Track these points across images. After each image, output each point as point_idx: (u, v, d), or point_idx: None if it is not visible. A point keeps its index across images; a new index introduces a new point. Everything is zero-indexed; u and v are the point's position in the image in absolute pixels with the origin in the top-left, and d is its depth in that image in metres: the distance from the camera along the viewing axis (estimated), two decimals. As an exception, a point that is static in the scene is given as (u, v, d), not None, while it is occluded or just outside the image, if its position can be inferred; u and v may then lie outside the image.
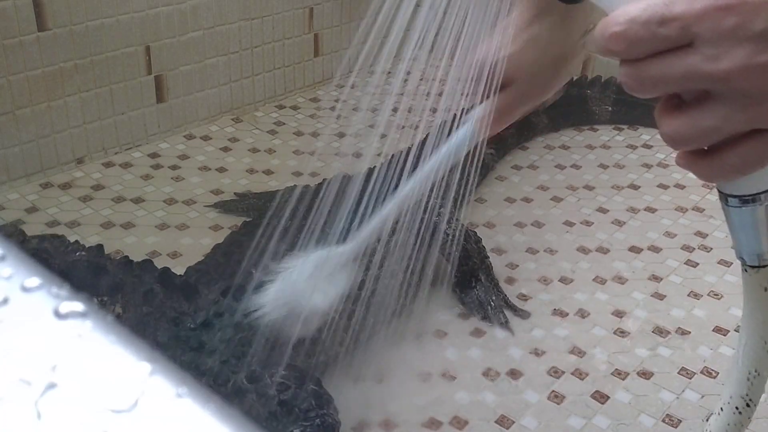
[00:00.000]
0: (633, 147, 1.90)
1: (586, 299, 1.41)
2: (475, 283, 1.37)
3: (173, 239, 1.51)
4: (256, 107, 1.99)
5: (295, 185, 1.64)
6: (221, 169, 1.74)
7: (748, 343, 0.57)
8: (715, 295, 1.43)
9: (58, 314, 0.28)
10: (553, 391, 1.21)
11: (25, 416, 0.25)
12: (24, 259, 0.30)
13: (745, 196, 0.49)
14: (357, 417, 1.14)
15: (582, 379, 1.23)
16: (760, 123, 0.42)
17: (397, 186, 0.71)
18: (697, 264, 1.51)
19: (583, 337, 1.32)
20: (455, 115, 0.65)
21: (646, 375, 1.24)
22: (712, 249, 1.55)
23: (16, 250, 0.31)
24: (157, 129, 1.81)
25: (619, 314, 1.37)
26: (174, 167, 1.73)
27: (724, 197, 0.51)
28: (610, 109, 1.97)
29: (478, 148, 0.66)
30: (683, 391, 1.22)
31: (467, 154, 0.66)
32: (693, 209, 1.67)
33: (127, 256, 1.10)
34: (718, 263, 1.51)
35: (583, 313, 1.37)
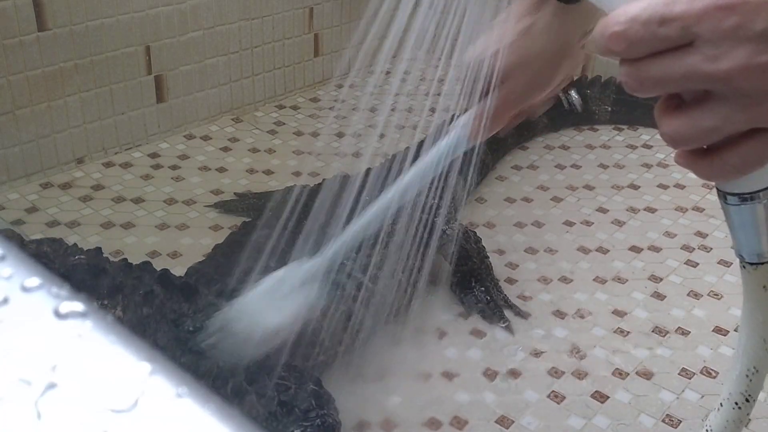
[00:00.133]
0: (633, 147, 1.90)
1: (586, 299, 1.41)
2: (475, 283, 1.37)
3: (173, 239, 1.51)
4: (256, 107, 1.99)
5: (294, 185, 1.64)
6: (221, 169, 1.74)
7: (748, 340, 0.57)
8: (715, 295, 1.43)
9: (58, 314, 0.28)
10: (553, 391, 1.21)
11: (25, 416, 0.25)
12: (24, 259, 0.30)
13: (744, 194, 0.49)
14: (357, 417, 1.14)
15: (582, 379, 1.23)
16: (760, 122, 0.42)
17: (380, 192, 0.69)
18: (697, 264, 1.51)
19: (583, 337, 1.32)
20: (453, 115, 0.64)
21: (646, 375, 1.24)
22: (712, 249, 1.55)
23: (16, 251, 0.31)
24: (157, 129, 1.81)
25: (619, 314, 1.37)
26: (174, 167, 1.73)
27: (723, 195, 0.51)
28: (610, 109, 1.97)
29: (477, 149, 0.64)
30: (683, 391, 1.22)
31: (465, 155, 0.65)
32: (693, 209, 1.67)
33: (126, 258, 1.10)
34: (718, 263, 1.51)
35: (583, 313, 1.37)
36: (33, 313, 0.28)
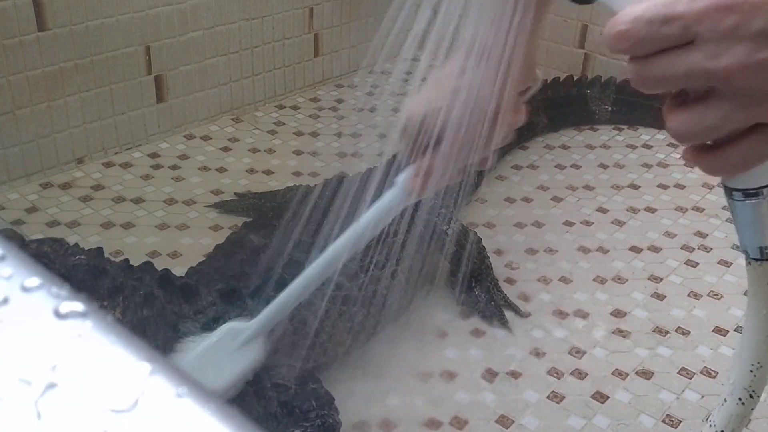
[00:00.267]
0: (633, 147, 1.90)
1: (586, 299, 1.41)
2: (475, 283, 1.37)
3: (173, 239, 1.51)
4: (256, 107, 1.99)
5: (294, 185, 1.64)
6: (221, 169, 1.74)
7: (752, 335, 0.58)
8: (714, 295, 1.43)
9: (58, 314, 0.28)
10: (553, 391, 1.21)
11: (25, 416, 0.25)
12: (24, 259, 0.30)
13: (748, 189, 0.50)
14: (357, 417, 1.14)
15: (582, 379, 1.23)
16: (762, 118, 0.43)
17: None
18: (697, 264, 1.51)
19: (583, 337, 1.32)
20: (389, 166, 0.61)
21: (646, 375, 1.24)
22: (712, 249, 1.55)
23: (16, 251, 0.31)
24: (157, 129, 1.81)
25: (619, 314, 1.37)
26: (174, 167, 1.73)
27: (728, 191, 0.52)
28: (609, 109, 1.97)
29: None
30: (683, 391, 1.22)
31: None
32: (693, 209, 1.67)
33: (127, 259, 1.10)
34: (718, 263, 1.51)
35: (583, 313, 1.37)
36: (33, 313, 0.28)
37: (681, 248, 1.55)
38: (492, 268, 1.42)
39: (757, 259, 0.54)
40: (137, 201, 1.61)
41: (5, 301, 0.29)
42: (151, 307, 1.05)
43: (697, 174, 1.74)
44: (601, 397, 1.20)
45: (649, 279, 1.46)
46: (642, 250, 1.54)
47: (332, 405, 1.06)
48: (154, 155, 1.77)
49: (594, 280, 1.45)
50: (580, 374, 1.24)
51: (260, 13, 1.90)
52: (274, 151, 1.83)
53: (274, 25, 1.94)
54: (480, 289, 1.37)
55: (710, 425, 0.62)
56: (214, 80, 1.88)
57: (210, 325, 1.09)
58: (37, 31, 1.52)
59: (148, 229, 1.53)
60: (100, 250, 1.09)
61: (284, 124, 1.94)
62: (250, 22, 1.89)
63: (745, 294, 0.59)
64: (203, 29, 1.80)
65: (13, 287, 0.29)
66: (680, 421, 1.16)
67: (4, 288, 0.29)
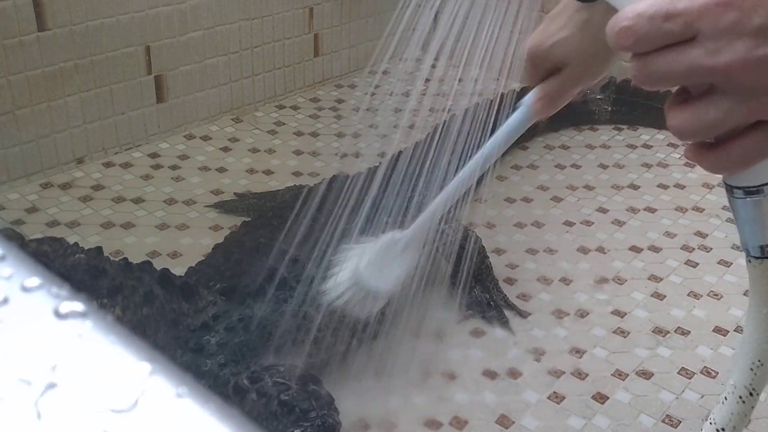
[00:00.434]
0: (633, 147, 1.90)
1: (586, 299, 1.41)
2: (475, 283, 1.37)
3: (173, 239, 1.51)
4: (256, 107, 1.99)
5: (294, 185, 1.64)
6: (221, 169, 1.74)
7: (753, 333, 0.58)
8: (714, 295, 1.43)
9: (58, 314, 0.28)
10: (553, 391, 1.21)
11: (25, 416, 0.25)
12: (24, 259, 0.30)
13: (749, 187, 0.51)
14: (357, 417, 1.14)
15: (582, 379, 1.23)
16: (762, 115, 0.44)
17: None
18: (697, 264, 1.51)
19: (583, 337, 1.32)
20: (502, 97, 0.66)
21: (646, 375, 1.24)
22: (711, 249, 1.55)
23: (16, 250, 0.31)
24: (157, 129, 1.81)
25: (619, 314, 1.37)
26: (174, 167, 1.73)
27: (729, 189, 0.52)
28: (609, 109, 1.97)
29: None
30: (683, 391, 1.22)
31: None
32: (693, 209, 1.67)
33: (126, 258, 1.10)
34: (718, 263, 1.51)
35: (583, 313, 1.37)
36: (33, 313, 0.28)
37: (681, 248, 1.55)
38: (492, 268, 1.42)
39: (757, 258, 0.55)
40: (137, 201, 1.61)
41: (5, 301, 0.29)
42: (150, 306, 1.05)
43: (697, 174, 1.74)
44: (601, 397, 1.20)
45: (649, 279, 1.46)
46: (642, 250, 1.54)
47: (332, 405, 1.06)
48: (154, 155, 1.77)
49: (594, 280, 1.45)
50: (580, 374, 1.24)
51: (260, 13, 1.90)
52: (274, 151, 1.83)
53: (274, 25, 1.94)
54: (480, 289, 1.37)
55: (710, 422, 0.63)
56: (214, 80, 1.88)
57: (210, 324, 1.09)
58: (37, 31, 1.52)
59: (148, 229, 1.53)
60: (99, 249, 1.09)
61: (284, 124, 1.95)
62: (250, 22, 1.89)
63: (745, 294, 0.59)
64: (203, 29, 1.80)
65: (13, 287, 0.29)
66: (680, 421, 1.16)
67: (4, 288, 0.29)
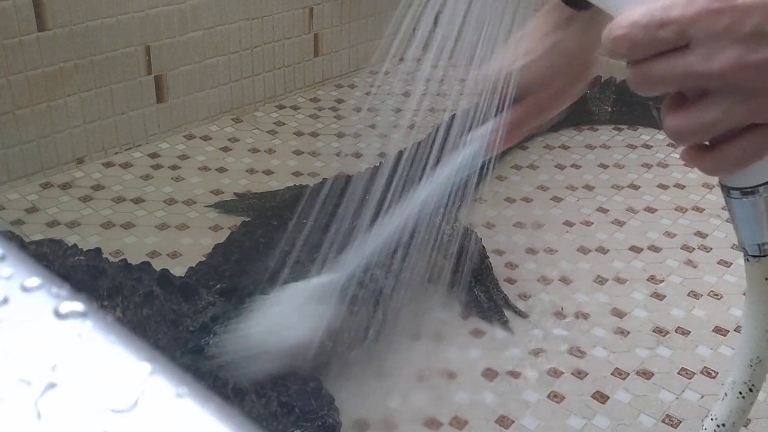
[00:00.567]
0: (633, 147, 1.90)
1: (586, 299, 1.41)
2: (475, 283, 1.37)
3: (173, 239, 1.51)
4: (256, 107, 1.99)
5: (294, 185, 1.64)
6: (221, 169, 1.74)
7: (751, 331, 0.59)
8: (714, 295, 1.43)
9: (58, 314, 0.28)
10: (553, 391, 1.21)
11: (25, 416, 0.25)
12: (24, 259, 0.30)
13: (746, 188, 0.52)
14: (357, 417, 1.14)
15: (582, 379, 1.23)
16: (756, 117, 0.44)
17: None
18: (697, 264, 1.51)
19: (583, 337, 1.32)
20: (463, 126, 0.63)
21: (646, 375, 1.24)
22: (711, 249, 1.55)
23: (16, 251, 0.31)
24: (157, 129, 1.81)
25: (619, 314, 1.37)
26: (174, 167, 1.73)
27: (726, 190, 0.53)
28: (609, 109, 1.97)
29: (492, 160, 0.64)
30: (683, 391, 1.22)
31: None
32: (693, 209, 1.67)
33: (125, 259, 1.10)
34: (718, 263, 1.51)
35: (583, 313, 1.37)
36: (33, 313, 0.28)
37: (681, 248, 1.55)
38: (492, 268, 1.42)
39: (755, 256, 0.55)
40: (137, 201, 1.61)
41: (5, 301, 0.29)
42: (150, 306, 1.05)
43: (697, 174, 1.74)
44: (601, 397, 1.20)
45: (649, 279, 1.46)
46: (642, 250, 1.54)
47: (332, 405, 1.06)
48: (154, 155, 1.77)
49: (594, 280, 1.45)
50: (580, 374, 1.24)
51: (260, 13, 1.90)
52: (274, 151, 1.83)
53: (274, 25, 1.94)
54: (480, 289, 1.37)
55: (711, 419, 0.64)
56: (214, 80, 1.88)
57: (209, 325, 1.09)
58: (37, 31, 1.52)
59: (148, 229, 1.53)
60: (98, 250, 1.09)
61: (284, 124, 1.95)
62: (250, 22, 1.89)
63: (745, 294, 0.60)
64: (203, 29, 1.80)
65: (13, 287, 0.29)
66: (680, 421, 1.16)
67: (4, 288, 0.29)
